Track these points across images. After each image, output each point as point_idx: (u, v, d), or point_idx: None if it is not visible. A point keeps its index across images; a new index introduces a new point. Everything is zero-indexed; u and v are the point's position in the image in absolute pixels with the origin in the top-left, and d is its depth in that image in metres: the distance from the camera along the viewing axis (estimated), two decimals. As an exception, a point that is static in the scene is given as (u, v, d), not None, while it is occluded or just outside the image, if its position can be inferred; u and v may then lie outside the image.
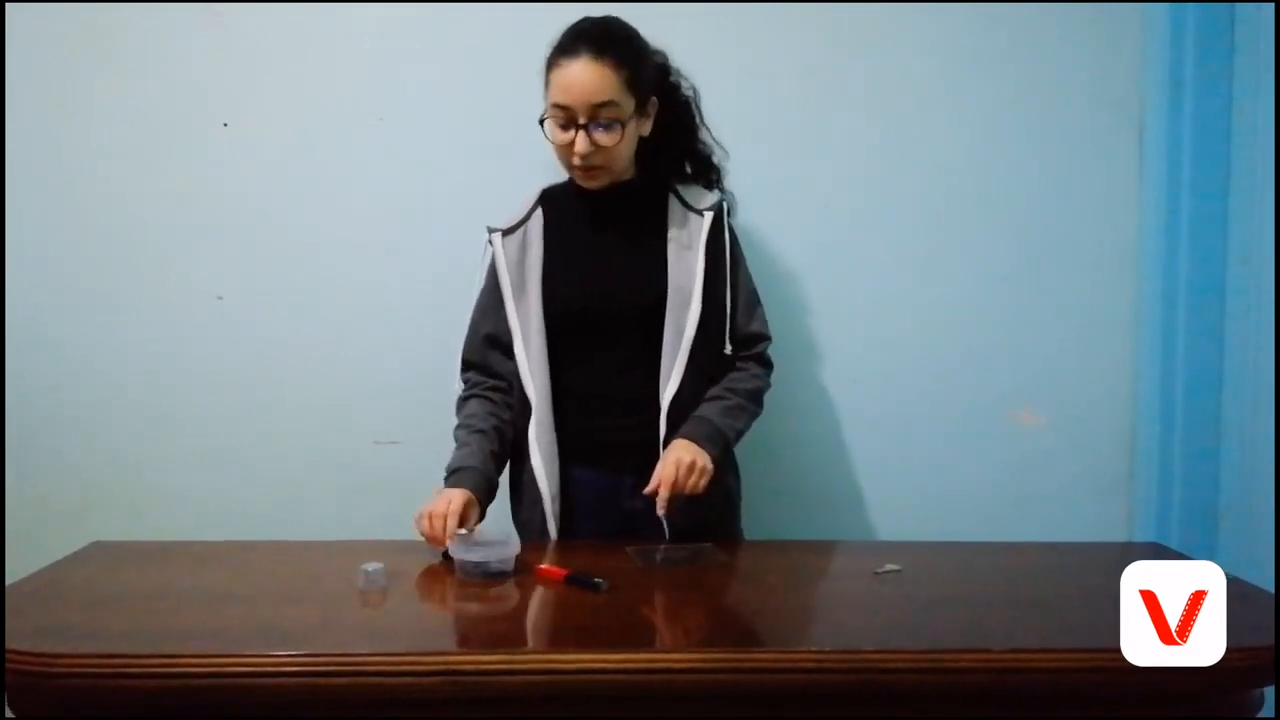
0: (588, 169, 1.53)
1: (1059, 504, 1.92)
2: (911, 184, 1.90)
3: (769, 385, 1.66)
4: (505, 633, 1.31)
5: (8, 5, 1.82)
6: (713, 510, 1.56)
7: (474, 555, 1.37)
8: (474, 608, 1.34)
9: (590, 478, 1.57)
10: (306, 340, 1.93)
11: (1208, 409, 1.83)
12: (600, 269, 1.59)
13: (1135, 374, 1.91)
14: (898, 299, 1.92)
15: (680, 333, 1.54)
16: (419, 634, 1.27)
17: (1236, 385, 1.80)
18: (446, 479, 1.51)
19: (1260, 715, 1.23)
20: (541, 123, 1.53)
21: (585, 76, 1.48)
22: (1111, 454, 1.93)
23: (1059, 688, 1.14)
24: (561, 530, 1.55)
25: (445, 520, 1.40)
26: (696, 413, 1.54)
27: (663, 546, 1.47)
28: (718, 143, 1.67)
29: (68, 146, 1.90)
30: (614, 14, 1.57)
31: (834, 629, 1.32)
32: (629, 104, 1.51)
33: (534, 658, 1.15)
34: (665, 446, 1.51)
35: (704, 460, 1.48)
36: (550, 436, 1.56)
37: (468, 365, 1.64)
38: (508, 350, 1.60)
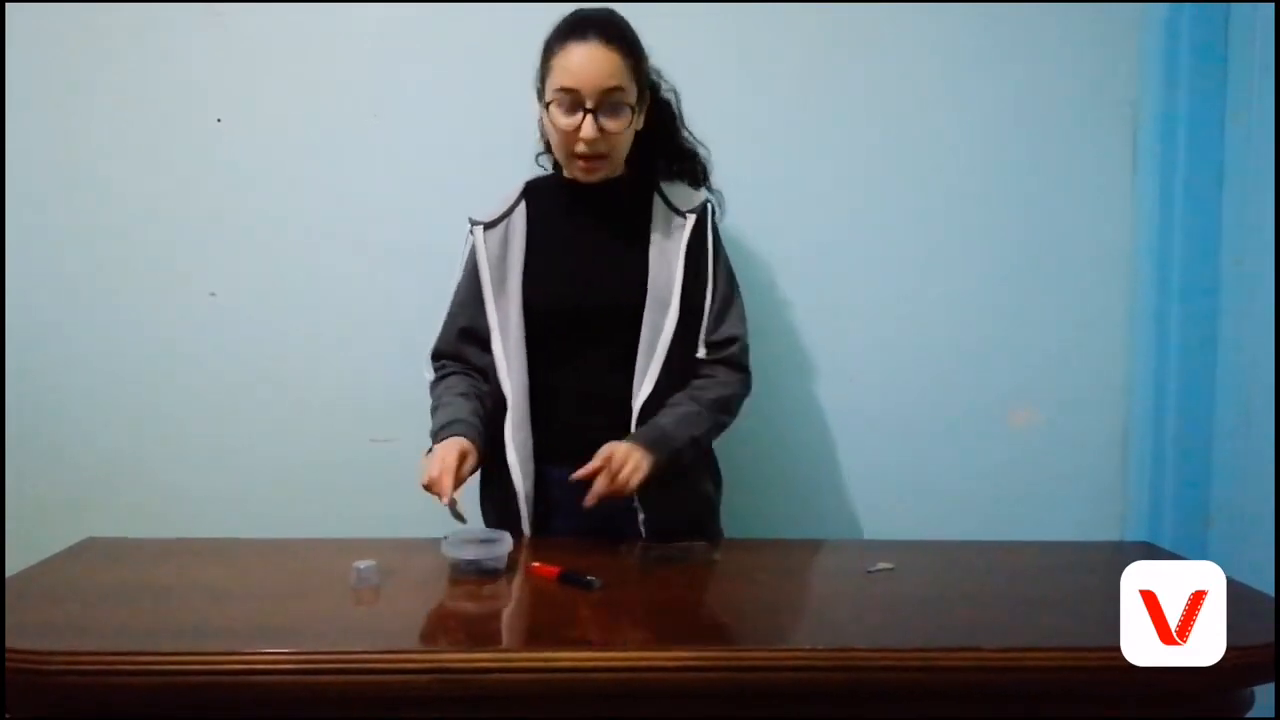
0: (590, 158, 1.51)
1: (1052, 503, 1.93)
2: (906, 184, 1.91)
3: (742, 391, 1.61)
4: (498, 630, 1.31)
5: (7, 5, 1.81)
6: (690, 513, 1.57)
7: (467, 553, 1.37)
8: (467, 605, 1.34)
9: (566, 476, 1.54)
10: (301, 337, 1.93)
11: (1201, 409, 1.83)
12: (580, 268, 1.57)
13: (1129, 374, 1.92)
14: (892, 299, 1.92)
15: (657, 336, 1.53)
16: (412, 631, 1.27)
17: (1229, 386, 1.80)
18: (435, 438, 1.49)
19: (1260, 716, 1.23)
20: (546, 105, 1.50)
21: (597, 58, 1.46)
22: (1104, 454, 1.93)
23: (1051, 687, 1.14)
24: (536, 529, 1.54)
25: (443, 476, 1.40)
26: (653, 419, 1.51)
27: (655, 545, 1.47)
28: (700, 143, 1.66)
29: (61, 144, 1.90)
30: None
31: (827, 627, 1.32)
32: (633, 92, 1.50)
33: (527, 656, 1.15)
34: None
35: (637, 459, 1.44)
36: (526, 434, 1.55)
37: (439, 355, 1.63)
38: (484, 344, 1.58)
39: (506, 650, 1.19)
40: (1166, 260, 1.83)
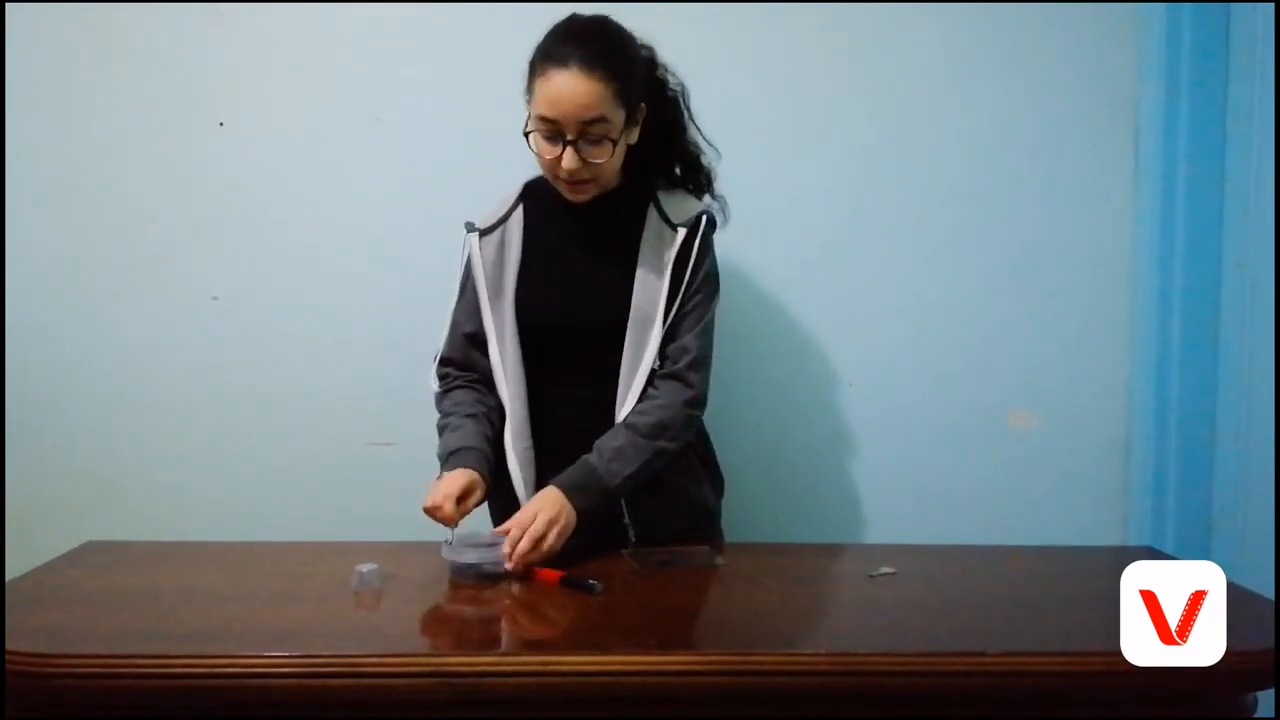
0: (575, 183, 1.48)
1: (1054, 508, 1.92)
2: (907, 187, 1.90)
3: (685, 412, 1.51)
4: (500, 634, 1.31)
5: (7, 5, 1.81)
6: (683, 520, 1.56)
7: (467, 557, 1.37)
8: (468, 609, 1.33)
9: None
10: (302, 341, 1.93)
11: (1202, 413, 1.83)
12: (567, 283, 1.55)
13: (1130, 378, 1.91)
14: (893, 302, 1.92)
15: (639, 354, 1.50)
16: (413, 635, 1.27)
17: (1231, 389, 1.80)
18: (444, 462, 1.48)
19: (1262, 717, 1.23)
20: (526, 135, 1.47)
21: (575, 90, 1.40)
22: (1106, 458, 1.93)
23: (1054, 691, 1.14)
24: None
25: (445, 505, 1.38)
26: (586, 455, 1.46)
27: (657, 550, 1.47)
28: (709, 142, 1.61)
29: (63, 145, 1.90)
30: (606, 12, 1.51)
31: (829, 632, 1.32)
32: (619, 117, 1.45)
33: (529, 660, 1.14)
34: None
35: (560, 525, 1.39)
36: (527, 443, 1.53)
37: (447, 362, 1.61)
38: (487, 349, 1.57)
39: (508, 654, 1.19)
40: (1168, 263, 1.83)
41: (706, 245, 1.54)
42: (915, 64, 1.88)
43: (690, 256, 1.51)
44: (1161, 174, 1.83)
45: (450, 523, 1.39)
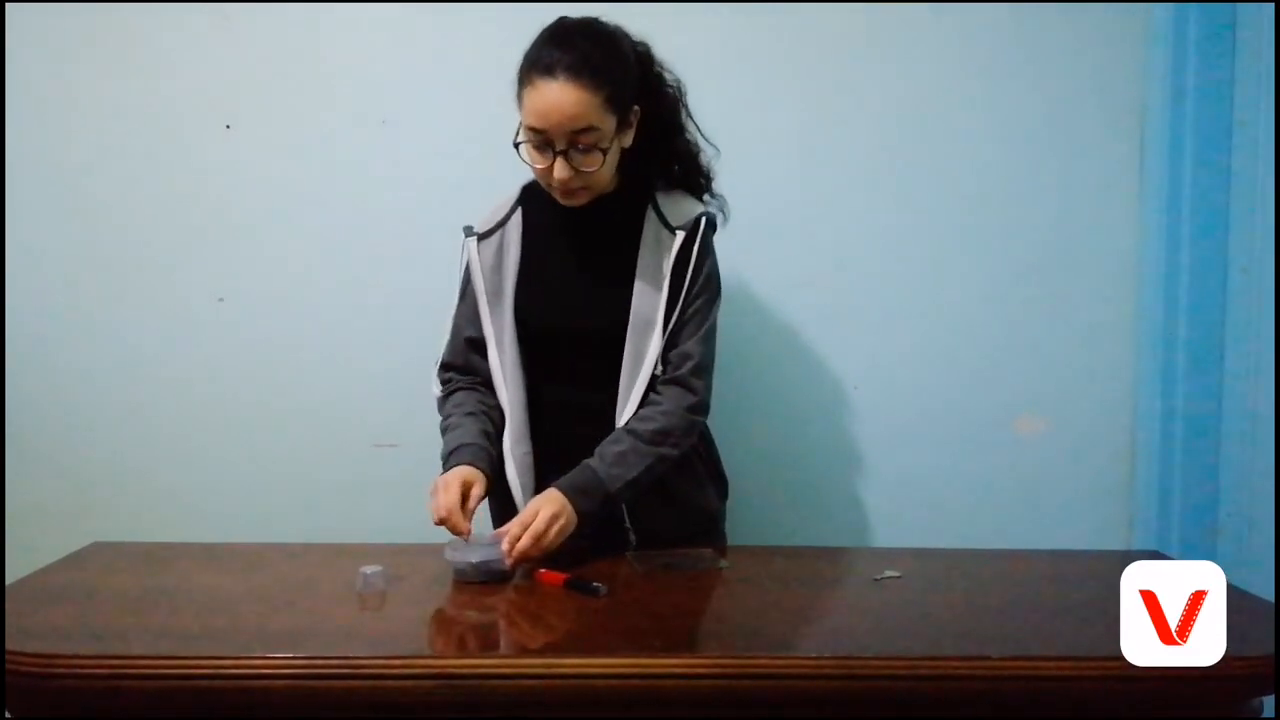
0: (567, 191, 1.47)
1: (1059, 512, 1.92)
2: (913, 192, 1.90)
3: (688, 418, 1.50)
4: (504, 637, 1.31)
5: (8, 5, 1.82)
6: (685, 524, 1.55)
7: (470, 556, 1.36)
8: (472, 612, 1.33)
9: None
10: (307, 343, 1.93)
11: (1208, 417, 1.83)
12: (566, 288, 1.54)
13: (1136, 382, 1.91)
14: (898, 306, 1.92)
15: (639, 359, 1.49)
16: (417, 637, 1.27)
17: (1237, 394, 1.80)
18: (445, 464, 1.48)
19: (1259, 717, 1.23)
20: (517, 146, 1.45)
21: (562, 100, 1.38)
22: (1112, 462, 1.93)
23: (1059, 695, 1.13)
24: None
25: (451, 515, 1.38)
26: (588, 459, 1.45)
27: (661, 552, 1.47)
28: (708, 140, 1.58)
29: (69, 148, 1.90)
30: (602, 13, 1.49)
31: (834, 635, 1.31)
32: (610, 124, 1.42)
33: (532, 662, 1.15)
34: None
35: (561, 523, 1.39)
36: (526, 448, 1.53)
37: (448, 367, 1.61)
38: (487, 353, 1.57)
39: (512, 656, 1.19)
40: (1174, 268, 1.83)
41: (706, 248, 1.53)
42: (921, 68, 1.88)
43: (690, 260, 1.50)
44: (1167, 179, 1.82)
45: (463, 532, 1.39)
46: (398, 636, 1.25)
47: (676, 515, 1.55)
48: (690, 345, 1.51)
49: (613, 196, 1.53)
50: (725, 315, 1.59)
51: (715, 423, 1.65)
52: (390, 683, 1.10)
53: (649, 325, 1.50)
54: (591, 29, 1.45)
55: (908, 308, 1.92)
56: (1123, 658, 1.11)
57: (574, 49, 1.40)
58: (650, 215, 1.54)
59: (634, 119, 1.49)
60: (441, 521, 1.39)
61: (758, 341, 1.90)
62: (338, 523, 1.83)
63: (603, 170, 1.45)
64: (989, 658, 1.13)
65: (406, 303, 1.89)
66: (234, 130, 1.90)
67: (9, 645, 1.11)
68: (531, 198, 1.58)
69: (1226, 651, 1.10)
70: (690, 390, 1.50)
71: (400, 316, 1.90)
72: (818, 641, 1.29)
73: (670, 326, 1.50)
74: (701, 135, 1.58)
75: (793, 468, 1.94)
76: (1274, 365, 1.68)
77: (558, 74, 1.39)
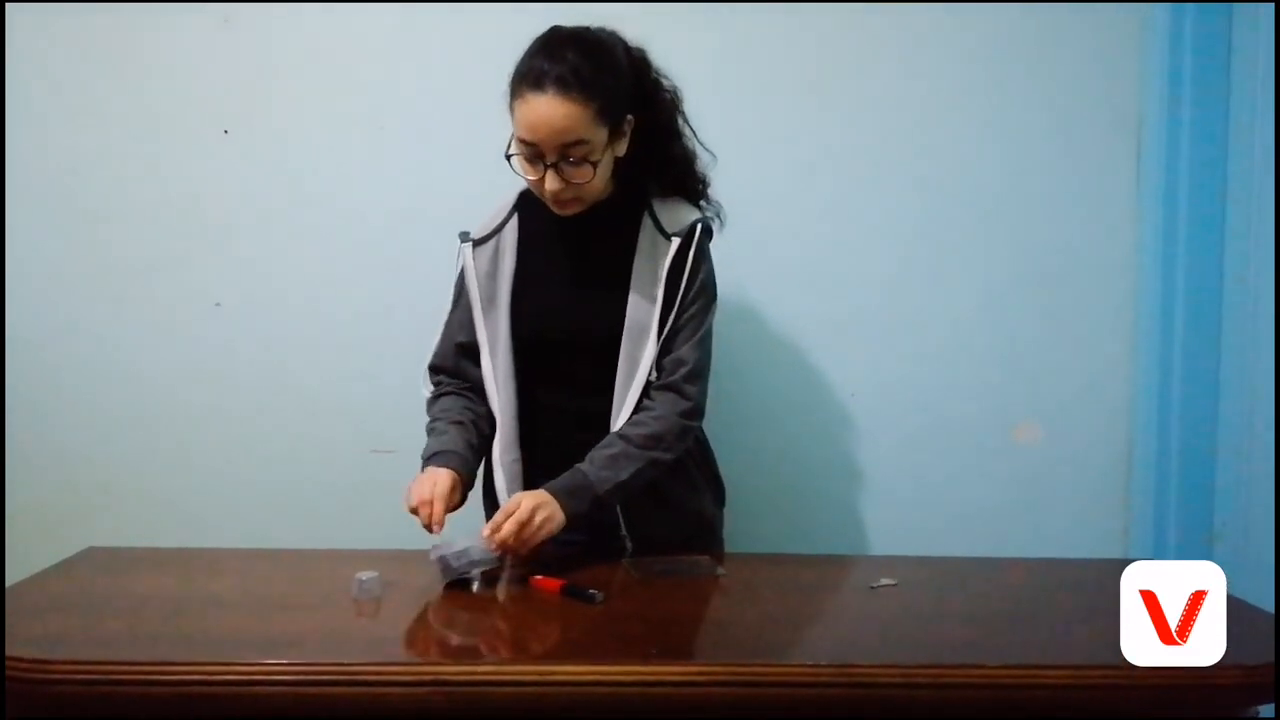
0: (560, 201, 1.47)
1: (1056, 519, 1.92)
2: (909, 198, 1.91)
3: (682, 423, 1.49)
4: (500, 644, 1.31)
5: (7, 6, 1.82)
6: (680, 531, 1.55)
7: (454, 549, 1.35)
8: (468, 618, 1.33)
9: None
10: (304, 348, 1.93)
11: (1204, 426, 1.83)
12: (562, 296, 1.54)
13: (1132, 390, 1.91)
14: (895, 313, 1.92)
15: (634, 366, 1.49)
16: (413, 643, 1.27)
17: (1233, 403, 1.80)
18: (424, 467, 1.47)
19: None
20: (509, 158, 1.45)
21: (552, 114, 1.38)
22: (1108, 471, 1.93)
23: (1056, 703, 1.13)
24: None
25: (432, 506, 1.38)
26: (579, 463, 1.45)
27: (658, 559, 1.46)
28: (704, 146, 1.57)
29: (65, 152, 1.90)
30: (605, 17, 1.50)
31: (829, 643, 1.31)
32: (601, 136, 1.42)
33: (528, 669, 1.14)
34: None
35: (549, 511, 1.39)
36: (515, 456, 1.53)
37: (437, 370, 1.61)
38: (479, 358, 1.57)
39: (508, 663, 1.19)
40: (1170, 276, 1.83)
41: (701, 254, 1.53)
42: (918, 79, 1.89)
43: (685, 266, 1.50)
44: (1164, 188, 1.83)
45: (437, 524, 1.39)
46: (393, 642, 1.25)
47: (673, 522, 1.55)
48: (684, 351, 1.51)
49: (608, 203, 1.53)
50: (720, 322, 1.59)
51: (711, 429, 1.65)
52: (386, 689, 1.10)
53: (644, 332, 1.50)
54: (583, 39, 1.44)
55: (904, 316, 1.92)
56: (1120, 665, 1.11)
57: (564, 61, 1.40)
58: (646, 222, 1.53)
59: (627, 128, 1.49)
60: (415, 509, 1.39)
61: (753, 348, 1.90)
62: (334, 528, 1.82)
63: (594, 181, 1.45)
64: (985, 665, 1.13)
65: (404, 308, 1.89)
66: (232, 135, 1.90)
67: (6, 650, 1.11)
68: (528, 204, 1.57)
69: (1225, 659, 1.10)
70: (684, 396, 1.50)
71: (398, 322, 1.90)
72: (814, 649, 1.29)
73: (665, 333, 1.50)
74: (698, 141, 1.58)
75: (789, 475, 1.94)
76: (1270, 375, 1.68)
77: (547, 87, 1.38)
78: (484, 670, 1.13)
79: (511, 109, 1.43)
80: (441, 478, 1.43)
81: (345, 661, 1.12)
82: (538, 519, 1.38)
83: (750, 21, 1.87)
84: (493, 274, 1.56)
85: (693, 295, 1.51)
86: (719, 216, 1.61)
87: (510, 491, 1.50)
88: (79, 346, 1.93)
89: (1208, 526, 1.84)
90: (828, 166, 1.90)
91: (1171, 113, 1.81)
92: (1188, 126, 1.80)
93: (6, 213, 1.88)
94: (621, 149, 1.49)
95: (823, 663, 1.14)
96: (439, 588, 1.37)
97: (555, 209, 1.49)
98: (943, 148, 1.90)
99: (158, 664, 1.10)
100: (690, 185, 1.59)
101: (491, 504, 1.55)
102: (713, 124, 1.60)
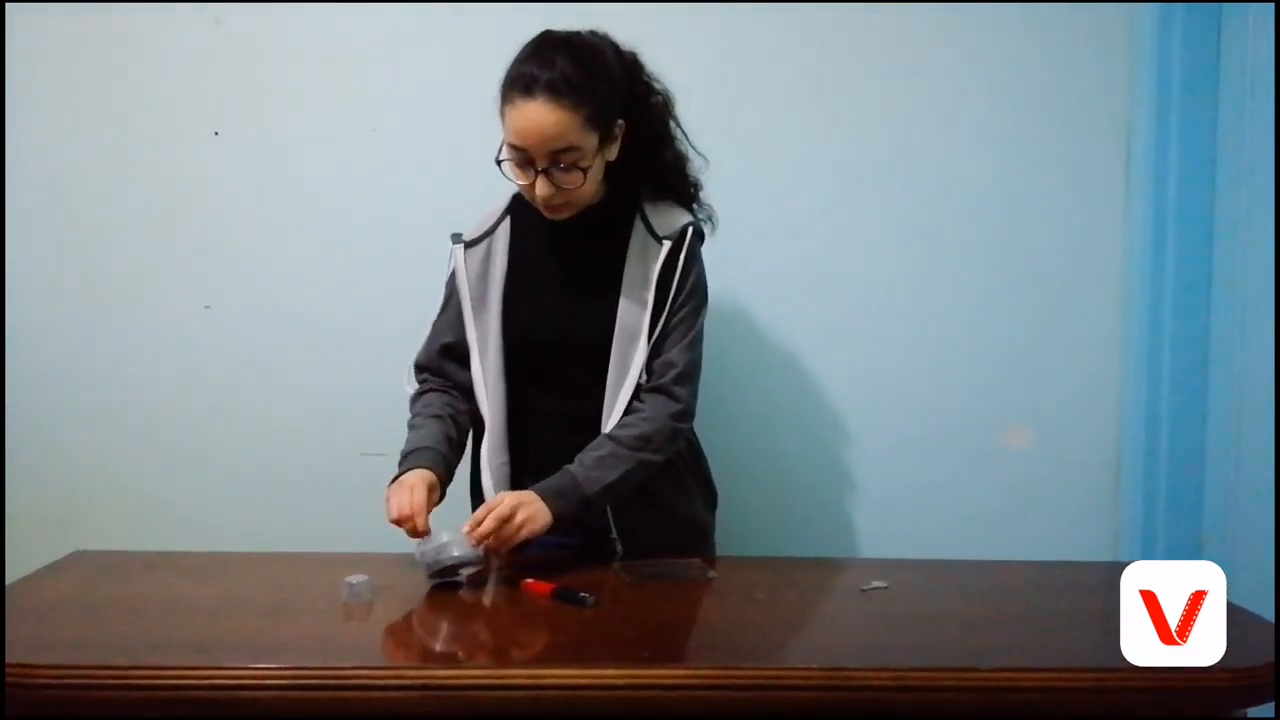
0: (550, 207, 1.47)
1: (1046, 523, 1.93)
2: (898, 203, 1.92)
3: (672, 424, 1.49)
4: (491, 647, 1.30)
5: (7, 6, 1.81)
6: (671, 535, 1.55)
7: (436, 546, 1.35)
8: (459, 622, 1.33)
9: None
10: (294, 351, 1.92)
11: (1193, 431, 1.84)
12: (554, 299, 1.54)
13: (1121, 395, 1.92)
14: (884, 318, 1.93)
15: (625, 370, 1.49)
16: (403, 647, 1.27)
17: (1222, 408, 1.81)
18: (401, 463, 1.47)
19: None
20: (499, 163, 1.45)
21: (542, 121, 1.38)
22: (1097, 475, 1.94)
23: (1047, 706, 1.13)
24: (521, 544, 1.47)
25: (414, 521, 1.38)
26: (567, 465, 1.45)
27: (649, 562, 1.46)
28: (696, 150, 1.57)
29: (56, 153, 1.90)
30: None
31: (820, 646, 1.31)
32: (591, 142, 1.42)
33: (519, 673, 1.14)
34: None
35: (532, 511, 1.38)
36: (503, 459, 1.53)
37: (422, 369, 1.61)
38: (465, 361, 1.57)
39: (499, 667, 1.19)
40: (1159, 282, 1.84)
41: (692, 258, 1.53)
42: (908, 78, 1.90)
43: (676, 269, 1.50)
44: (1153, 193, 1.84)
45: (421, 533, 1.38)
46: (384, 647, 1.24)
47: (664, 525, 1.55)
48: (674, 354, 1.51)
49: (601, 207, 1.53)
50: (711, 325, 1.59)
51: (703, 432, 1.65)
52: (376, 693, 1.09)
53: (634, 335, 1.50)
54: (573, 45, 1.44)
55: (895, 321, 1.93)
56: (1112, 668, 1.11)
57: (553, 67, 1.39)
58: (638, 225, 1.54)
59: (618, 133, 1.49)
60: (399, 521, 1.39)
61: (744, 352, 1.91)
62: (324, 532, 1.81)
63: (585, 187, 1.45)
64: (976, 668, 1.14)
65: (395, 311, 1.89)
66: (222, 137, 1.90)
67: (-6, 654, 1.10)
68: (521, 207, 1.57)
69: (1218, 662, 1.11)
70: (673, 398, 1.50)
71: (389, 325, 1.89)
72: (805, 652, 1.29)
73: (655, 336, 1.50)
74: (690, 145, 1.58)
75: (779, 478, 1.94)
76: (1259, 380, 1.69)
77: (536, 93, 1.38)
78: (474, 674, 1.13)
79: (502, 114, 1.43)
80: (418, 487, 1.41)
81: (335, 666, 1.11)
82: (519, 517, 1.38)
83: (743, 27, 1.88)
84: (484, 276, 1.56)
85: (683, 298, 1.52)
86: (711, 220, 1.61)
87: (498, 493, 1.49)
88: (68, 348, 1.92)
89: (1196, 530, 1.84)
90: (819, 171, 1.91)
91: (1160, 117, 1.82)
92: (1176, 131, 1.81)
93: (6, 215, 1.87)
94: (613, 154, 1.49)
95: (814, 666, 1.14)
96: (429, 592, 1.36)
97: (546, 214, 1.49)
98: (932, 153, 1.90)
99: (146, 668, 1.10)
100: (682, 189, 1.59)
101: (479, 505, 1.54)
102: (705, 128, 1.60)
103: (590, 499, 1.44)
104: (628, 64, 1.51)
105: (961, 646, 1.24)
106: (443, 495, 1.48)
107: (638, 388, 1.50)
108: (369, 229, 1.91)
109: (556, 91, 1.38)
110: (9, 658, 1.10)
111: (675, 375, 1.50)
